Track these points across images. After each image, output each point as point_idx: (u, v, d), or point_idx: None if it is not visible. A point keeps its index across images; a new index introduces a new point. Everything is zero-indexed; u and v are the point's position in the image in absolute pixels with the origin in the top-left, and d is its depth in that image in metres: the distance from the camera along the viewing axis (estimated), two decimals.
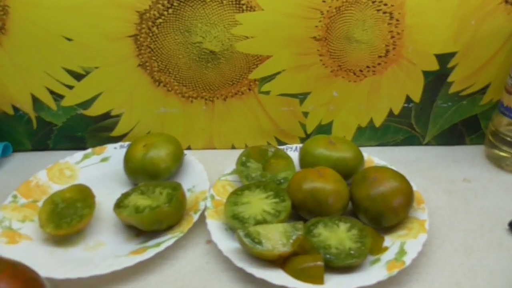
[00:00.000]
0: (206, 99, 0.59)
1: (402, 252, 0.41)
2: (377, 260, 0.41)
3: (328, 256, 0.40)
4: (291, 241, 0.39)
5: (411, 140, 0.62)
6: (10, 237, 0.46)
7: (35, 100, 0.59)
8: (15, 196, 0.51)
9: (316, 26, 0.53)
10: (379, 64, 0.56)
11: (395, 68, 0.56)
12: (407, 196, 0.44)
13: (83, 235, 0.47)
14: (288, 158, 0.53)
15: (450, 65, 0.56)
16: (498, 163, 0.57)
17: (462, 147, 0.62)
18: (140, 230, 0.46)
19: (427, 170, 0.57)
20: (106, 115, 0.60)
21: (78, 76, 0.57)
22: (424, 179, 0.55)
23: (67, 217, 0.47)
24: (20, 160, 0.62)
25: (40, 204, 0.51)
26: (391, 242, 0.43)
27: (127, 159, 0.53)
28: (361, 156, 0.51)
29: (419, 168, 0.57)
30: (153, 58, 0.56)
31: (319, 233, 0.42)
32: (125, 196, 0.48)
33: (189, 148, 0.63)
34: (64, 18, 0.53)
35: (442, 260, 0.43)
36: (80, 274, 0.40)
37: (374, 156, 0.56)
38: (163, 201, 0.46)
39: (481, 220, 0.48)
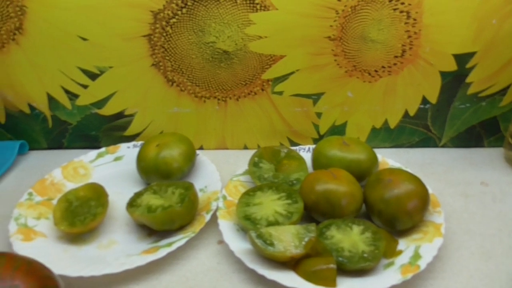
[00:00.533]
0: (219, 99, 0.59)
1: (416, 256, 0.40)
2: (391, 263, 0.40)
3: (340, 258, 0.39)
4: (303, 243, 0.39)
5: (427, 142, 0.61)
6: (25, 234, 0.46)
7: (51, 99, 0.60)
8: (30, 194, 0.52)
9: (331, 26, 0.53)
10: (395, 64, 0.55)
11: (411, 69, 0.55)
12: (422, 199, 0.43)
13: (96, 234, 0.48)
14: (301, 159, 0.52)
15: (469, 65, 0.54)
16: None
17: (480, 150, 0.60)
18: (152, 230, 0.46)
19: (443, 173, 0.56)
20: (120, 115, 0.61)
21: (92, 76, 0.58)
22: (440, 182, 0.54)
23: (81, 215, 0.47)
24: (36, 158, 0.63)
25: (54, 202, 0.51)
26: (405, 245, 0.42)
27: (140, 159, 0.53)
28: (375, 158, 0.50)
29: (435, 171, 0.56)
30: (167, 58, 0.56)
31: (332, 235, 0.41)
32: (137, 195, 0.48)
33: (201, 148, 0.63)
34: (79, 18, 0.53)
35: (458, 265, 0.42)
36: (93, 273, 0.40)
37: (389, 158, 0.55)
38: (176, 201, 0.46)
39: (499, 225, 0.47)
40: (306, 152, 0.57)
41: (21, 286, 0.31)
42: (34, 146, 0.64)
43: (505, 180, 0.54)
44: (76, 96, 0.59)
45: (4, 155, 0.61)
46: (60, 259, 0.43)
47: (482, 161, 0.58)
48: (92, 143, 0.63)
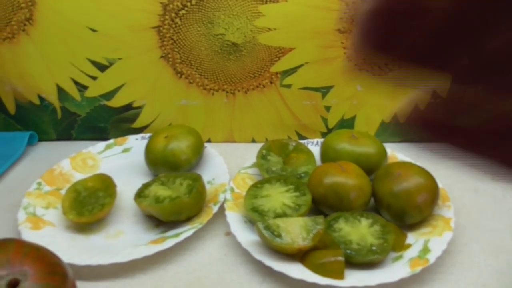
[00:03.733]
0: (227, 92, 0.59)
1: (426, 249, 0.39)
2: (400, 257, 0.40)
3: (349, 251, 0.39)
4: (311, 235, 0.39)
5: None
6: (34, 223, 0.47)
7: (60, 91, 0.60)
8: (39, 184, 0.52)
9: (341, 18, 0.52)
10: None
11: None
12: (432, 193, 0.43)
13: (104, 224, 0.48)
14: (309, 153, 0.52)
15: None
16: None
17: None
18: (160, 220, 0.46)
19: (453, 167, 0.55)
20: (128, 107, 0.61)
21: (102, 67, 0.58)
22: (450, 177, 0.53)
23: (89, 205, 0.47)
24: (45, 149, 0.63)
25: (63, 192, 0.51)
26: (414, 239, 0.42)
27: (148, 150, 0.53)
28: (384, 152, 0.50)
29: (445, 166, 0.55)
30: (176, 49, 0.56)
31: (340, 228, 0.41)
32: (145, 186, 0.48)
33: (209, 141, 0.63)
34: (89, 9, 0.53)
35: (468, 260, 0.41)
36: (100, 262, 0.40)
37: (398, 152, 0.54)
38: (183, 192, 0.46)
39: (509, 220, 0.46)
40: (314, 146, 0.56)
41: (30, 271, 0.31)
42: (43, 137, 0.65)
43: None
44: (85, 87, 0.59)
45: (14, 145, 0.62)
46: (68, 248, 0.44)
47: None
48: (100, 134, 0.63)
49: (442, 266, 0.40)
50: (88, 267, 0.40)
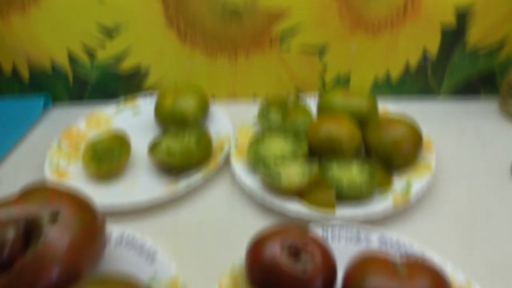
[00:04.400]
0: (229, 55, 0.63)
1: (408, 188, 0.45)
2: (385, 195, 0.45)
3: (340, 190, 0.44)
4: (307, 177, 0.44)
5: (426, 94, 0.64)
6: (59, 176, 0.52)
7: (71, 56, 0.64)
8: (59, 142, 0.57)
9: None
10: (397, 19, 0.58)
11: (413, 23, 0.58)
12: (416, 141, 0.48)
13: (121, 176, 0.53)
14: (306, 108, 0.56)
15: (468, 19, 0.57)
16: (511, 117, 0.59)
17: (477, 102, 0.64)
18: (172, 171, 0.51)
19: (440, 122, 0.60)
20: (136, 70, 0.65)
21: (109, 33, 0.61)
22: (436, 130, 0.58)
23: (107, 160, 0.52)
24: (59, 112, 0.68)
25: (81, 148, 0.57)
26: (398, 181, 0.47)
27: (158, 110, 0.58)
28: (376, 106, 0.54)
29: (432, 120, 0.60)
30: (180, 15, 0.59)
31: (333, 171, 0.46)
32: (157, 141, 0.53)
33: (213, 98, 0.67)
34: None
35: (446, 199, 0.47)
36: (122, 202, 0.46)
37: (389, 106, 0.58)
38: (192, 145, 0.50)
39: (487, 168, 0.51)
40: (312, 101, 0.61)
41: (65, 208, 0.37)
42: (57, 102, 0.69)
43: (497, 130, 0.58)
44: (95, 53, 0.63)
45: (30, 110, 0.66)
46: (91, 195, 0.49)
47: (477, 113, 0.62)
48: (111, 97, 0.68)
49: (423, 204, 0.46)
50: (112, 206, 0.46)
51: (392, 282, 0.31)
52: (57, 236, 0.34)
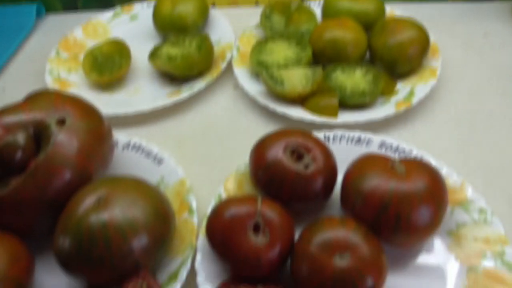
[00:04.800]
0: None
1: (411, 94, 0.45)
2: (387, 100, 0.45)
3: (343, 95, 0.44)
4: (310, 82, 0.44)
5: None
6: (61, 85, 0.52)
7: None
8: (57, 51, 0.56)
9: None
10: None
11: None
12: (422, 45, 0.46)
13: (123, 83, 0.53)
14: (311, 12, 0.54)
15: None
16: None
17: (488, 3, 0.61)
18: (174, 77, 0.51)
19: (449, 24, 0.57)
20: None
21: None
22: (444, 33, 0.56)
23: (107, 67, 0.52)
24: (54, 20, 0.65)
25: (80, 58, 0.55)
26: (402, 86, 0.46)
27: (156, 15, 0.56)
28: (383, 8, 0.52)
29: (441, 23, 0.58)
30: None
31: (337, 77, 0.46)
32: (157, 47, 0.52)
33: (213, 5, 0.64)
34: None
35: (448, 105, 0.47)
36: (126, 111, 0.46)
37: (397, 10, 0.56)
38: (193, 50, 0.49)
39: (493, 72, 0.50)
40: (316, 7, 0.58)
41: (71, 112, 0.37)
42: (50, 9, 0.66)
43: (507, 32, 0.56)
44: None
45: (23, 18, 0.64)
46: (95, 103, 0.49)
47: (488, 15, 0.59)
48: (106, 4, 0.65)
49: (425, 108, 0.46)
50: (116, 116, 0.46)
51: (390, 180, 0.32)
52: (66, 140, 0.35)
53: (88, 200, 0.32)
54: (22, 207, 0.33)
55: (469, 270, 0.33)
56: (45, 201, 0.34)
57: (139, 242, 0.31)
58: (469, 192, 0.36)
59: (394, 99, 0.45)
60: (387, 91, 0.45)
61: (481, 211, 0.35)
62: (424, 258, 0.34)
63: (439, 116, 0.46)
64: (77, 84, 0.52)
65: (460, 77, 0.50)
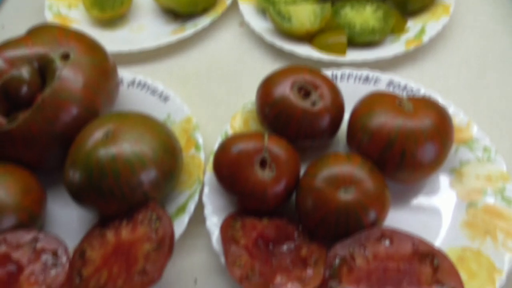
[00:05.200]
0: None
1: (422, 31, 0.43)
2: (397, 39, 0.44)
3: (352, 32, 0.43)
4: (318, 19, 0.42)
5: None
6: (62, 20, 0.50)
7: None
8: None
9: None
10: None
11: None
12: None
13: (126, 19, 0.51)
14: None
15: None
16: None
17: None
18: (178, 14, 0.50)
19: None
20: None
21: None
22: None
23: (109, 2, 0.50)
24: None
25: None
26: (413, 24, 0.45)
27: None
28: None
29: None
30: None
31: (346, 13, 0.44)
32: None
33: None
34: None
35: (459, 43, 0.46)
36: (130, 48, 0.45)
37: None
38: None
39: (508, 12, 0.48)
40: None
41: (75, 47, 0.36)
42: None
43: None
44: None
45: None
46: (99, 39, 0.48)
47: None
48: None
49: (435, 47, 0.45)
50: (120, 53, 0.46)
51: (397, 117, 0.32)
52: (71, 74, 0.35)
53: (96, 134, 0.33)
54: (31, 140, 0.34)
55: (469, 206, 0.34)
56: (53, 135, 0.34)
57: (148, 175, 0.32)
58: (475, 131, 0.36)
59: (404, 37, 0.44)
60: (398, 29, 0.44)
61: (485, 149, 0.36)
62: (426, 194, 0.35)
63: (450, 55, 0.45)
64: (78, 21, 0.51)
65: (473, 15, 0.48)
